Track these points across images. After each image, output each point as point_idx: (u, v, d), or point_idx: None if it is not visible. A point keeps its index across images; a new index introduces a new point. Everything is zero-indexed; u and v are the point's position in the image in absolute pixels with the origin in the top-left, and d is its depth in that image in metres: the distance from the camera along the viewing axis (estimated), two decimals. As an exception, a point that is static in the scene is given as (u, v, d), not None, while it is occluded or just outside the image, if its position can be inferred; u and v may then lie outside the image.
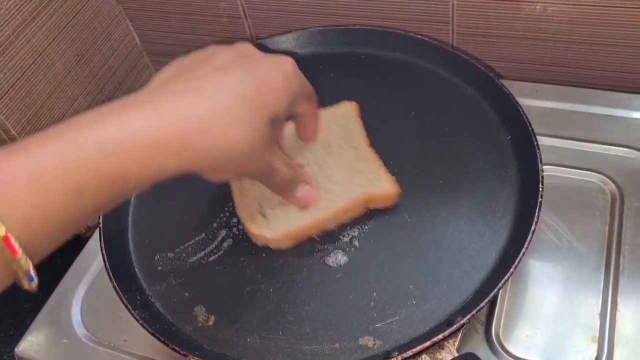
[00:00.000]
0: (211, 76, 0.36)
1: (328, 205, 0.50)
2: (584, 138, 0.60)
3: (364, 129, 0.56)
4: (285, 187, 0.46)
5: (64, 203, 0.30)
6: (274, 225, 0.50)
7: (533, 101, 0.64)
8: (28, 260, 0.29)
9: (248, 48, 0.40)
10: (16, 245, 0.28)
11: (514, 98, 0.55)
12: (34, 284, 0.30)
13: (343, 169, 0.52)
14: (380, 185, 0.51)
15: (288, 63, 0.40)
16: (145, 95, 0.35)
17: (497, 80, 0.57)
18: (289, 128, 0.51)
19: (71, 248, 0.65)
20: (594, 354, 0.47)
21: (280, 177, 0.43)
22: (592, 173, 0.57)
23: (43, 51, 0.69)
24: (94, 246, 0.61)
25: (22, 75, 0.67)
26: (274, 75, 0.38)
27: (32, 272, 0.30)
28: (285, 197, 0.48)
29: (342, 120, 0.56)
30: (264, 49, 0.59)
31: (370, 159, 0.53)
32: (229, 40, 0.54)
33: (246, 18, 0.75)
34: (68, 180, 0.30)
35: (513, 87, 0.57)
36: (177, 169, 0.35)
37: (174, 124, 0.33)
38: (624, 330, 0.48)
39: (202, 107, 0.35)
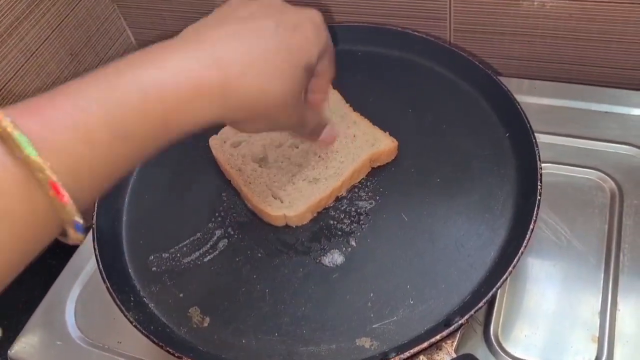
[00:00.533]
0: (247, 23, 0.36)
1: (337, 173, 0.52)
2: (582, 135, 0.60)
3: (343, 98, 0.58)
4: (313, 133, 0.46)
5: (109, 149, 0.30)
6: (290, 203, 0.51)
7: (531, 98, 0.63)
8: (75, 208, 0.28)
9: (278, 2, 0.40)
10: (65, 193, 0.27)
11: (513, 95, 0.55)
12: (80, 234, 0.29)
13: (339, 138, 0.54)
14: (379, 144, 0.54)
15: (316, 14, 0.40)
16: (183, 40, 0.35)
17: (495, 78, 0.56)
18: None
19: (65, 249, 0.64)
20: (594, 354, 0.47)
21: (310, 126, 0.44)
22: (591, 170, 0.57)
23: (36, 50, 0.69)
24: (88, 247, 0.60)
25: (14, 75, 0.67)
26: (305, 25, 0.38)
27: (80, 219, 0.28)
28: (312, 140, 0.49)
29: None
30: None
31: (359, 122, 0.56)
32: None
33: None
34: (112, 126, 0.29)
35: (511, 84, 0.57)
36: (217, 116, 0.34)
37: (215, 68, 0.33)
38: (624, 329, 0.47)
39: (241, 52, 0.34)
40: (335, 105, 0.57)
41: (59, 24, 0.71)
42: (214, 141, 0.56)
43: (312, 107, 0.46)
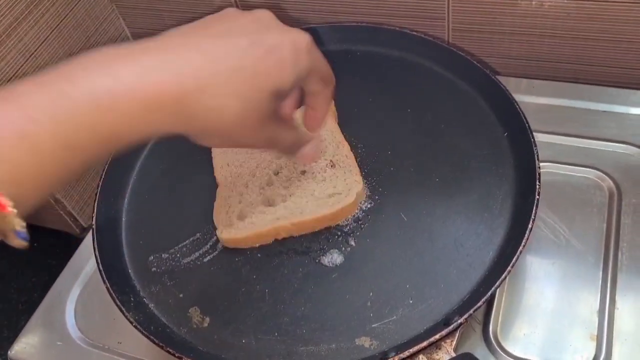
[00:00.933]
0: (218, 39, 0.35)
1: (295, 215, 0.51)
2: (581, 134, 0.60)
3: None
4: (289, 151, 0.44)
5: (55, 159, 0.29)
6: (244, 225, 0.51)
7: (529, 97, 0.63)
8: (16, 217, 0.28)
9: (266, 16, 0.38)
10: (7, 203, 0.27)
11: (511, 95, 0.55)
12: (23, 242, 0.29)
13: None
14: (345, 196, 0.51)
15: (301, 38, 0.38)
16: (147, 45, 0.33)
17: (493, 77, 0.57)
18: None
19: (65, 249, 0.64)
20: (593, 352, 0.47)
21: (283, 145, 0.42)
22: (590, 169, 0.57)
23: (35, 51, 0.69)
24: (88, 247, 0.61)
25: (13, 76, 0.67)
26: (283, 47, 0.36)
27: (22, 229, 0.29)
28: (288, 157, 0.47)
29: None
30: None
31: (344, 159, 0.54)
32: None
33: (240, 15, 0.74)
34: (60, 137, 0.29)
35: (509, 83, 0.57)
36: (172, 129, 0.34)
37: (173, 83, 0.32)
38: (622, 328, 0.47)
39: (201, 69, 0.33)
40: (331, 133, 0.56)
41: (58, 25, 0.71)
42: None
43: (308, 123, 0.45)
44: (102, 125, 0.30)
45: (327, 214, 0.50)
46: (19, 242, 0.29)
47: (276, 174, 0.54)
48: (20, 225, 0.29)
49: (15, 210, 0.28)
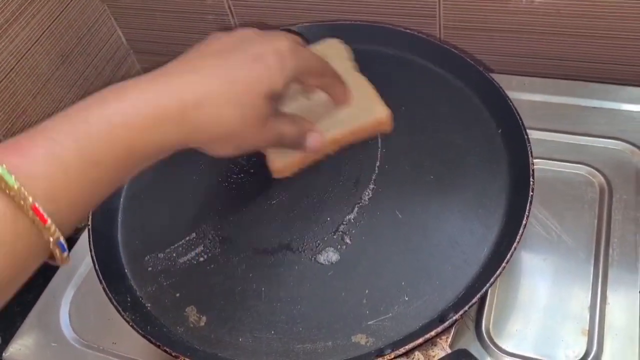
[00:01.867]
0: (207, 59, 0.40)
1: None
2: (572, 131, 0.60)
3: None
4: (295, 144, 0.47)
5: (83, 175, 0.33)
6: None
7: (521, 94, 0.64)
8: (57, 228, 0.31)
9: (247, 32, 0.43)
10: (45, 214, 0.30)
11: (505, 93, 0.55)
12: (65, 254, 0.32)
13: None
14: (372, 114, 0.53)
15: (282, 41, 0.42)
16: (146, 77, 0.38)
17: (487, 75, 0.57)
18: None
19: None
20: (584, 347, 0.47)
21: (289, 139, 0.46)
22: (581, 166, 0.58)
23: (27, 52, 0.69)
24: (81, 247, 0.61)
25: (5, 77, 0.67)
26: (268, 55, 0.40)
27: (63, 240, 0.32)
28: (297, 150, 0.49)
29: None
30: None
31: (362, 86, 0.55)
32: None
33: (232, 15, 0.74)
34: (83, 154, 0.33)
35: (501, 80, 0.57)
36: (179, 142, 0.38)
37: (174, 99, 0.36)
38: (613, 323, 0.48)
39: (198, 85, 0.38)
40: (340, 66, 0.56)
41: (50, 26, 0.71)
42: None
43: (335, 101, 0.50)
44: (117, 140, 0.34)
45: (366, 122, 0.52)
46: (63, 256, 0.32)
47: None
48: (61, 236, 0.31)
49: (53, 222, 0.31)
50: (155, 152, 0.37)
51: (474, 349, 0.48)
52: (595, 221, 0.54)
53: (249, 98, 0.39)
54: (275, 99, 0.41)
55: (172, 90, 0.37)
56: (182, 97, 0.37)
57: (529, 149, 0.50)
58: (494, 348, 0.48)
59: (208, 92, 0.38)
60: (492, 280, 0.44)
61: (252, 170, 0.57)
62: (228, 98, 0.38)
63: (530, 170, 0.49)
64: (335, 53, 0.59)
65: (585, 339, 0.48)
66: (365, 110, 0.54)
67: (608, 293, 0.50)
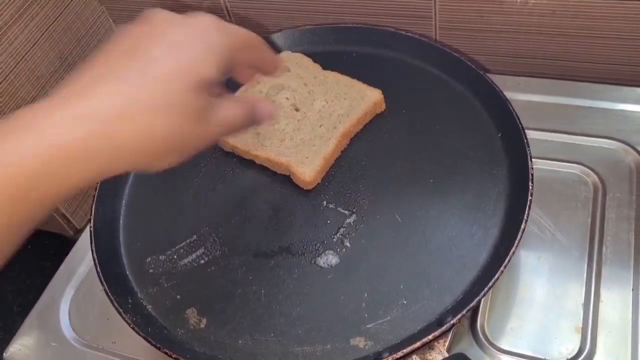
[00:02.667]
0: (116, 62, 0.34)
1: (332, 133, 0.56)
2: (566, 130, 0.61)
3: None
4: (247, 123, 0.40)
5: None
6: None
7: (516, 94, 0.64)
8: None
9: (157, 18, 0.36)
10: None
11: (504, 95, 0.55)
12: None
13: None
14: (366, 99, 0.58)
15: (205, 22, 0.36)
16: (53, 101, 0.32)
17: (487, 77, 0.57)
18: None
19: (58, 251, 0.64)
20: (578, 344, 0.48)
21: (239, 122, 0.39)
22: (575, 165, 0.58)
23: (26, 54, 0.69)
24: (81, 248, 0.61)
25: (4, 79, 0.67)
26: (188, 40, 0.34)
27: None
28: (253, 127, 0.43)
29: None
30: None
31: (339, 80, 0.61)
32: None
33: (230, 17, 0.75)
34: None
35: (496, 80, 0.57)
36: (99, 172, 0.32)
37: (80, 125, 0.31)
38: (607, 320, 0.49)
39: (111, 97, 0.32)
40: (308, 71, 0.61)
41: (48, 28, 0.71)
42: None
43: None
44: (26, 175, 0.29)
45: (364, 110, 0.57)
46: None
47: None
48: None
49: None
50: (67, 192, 0.31)
51: (471, 351, 0.49)
52: (589, 220, 0.54)
53: (174, 97, 0.33)
54: (210, 86, 0.35)
55: (79, 115, 0.31)
56: (93, 120, 0.31)
57: (528, 153, 0.51)
58: (488, 345, 0.49)
59: (126, 102, 0.32)
60: (490, 284, 0.44)
61: (253, 173, 0.57)
62: (151, 103, 0.32)
63: (530, 175, 0.49)
64: (296, 61, 0.63)
65: (579, 336, 0.48)
66: (358, 98, 0.58)
67: (601, 291, 0.50)
